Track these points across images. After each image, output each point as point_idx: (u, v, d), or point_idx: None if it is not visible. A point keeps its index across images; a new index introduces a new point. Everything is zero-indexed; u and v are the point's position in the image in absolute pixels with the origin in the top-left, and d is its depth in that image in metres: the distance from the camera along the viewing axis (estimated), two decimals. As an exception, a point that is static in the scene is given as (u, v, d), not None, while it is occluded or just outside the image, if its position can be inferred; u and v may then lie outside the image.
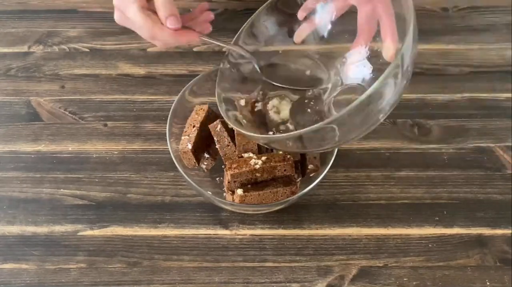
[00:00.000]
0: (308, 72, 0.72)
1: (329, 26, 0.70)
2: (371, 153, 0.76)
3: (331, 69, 0.70)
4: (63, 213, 0.72)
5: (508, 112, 0.80)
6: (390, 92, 0.56)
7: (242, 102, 0.71)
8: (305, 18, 0.69)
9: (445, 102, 0.82)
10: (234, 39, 0.69)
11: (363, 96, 0.53)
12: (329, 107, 0.70)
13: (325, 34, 0.70)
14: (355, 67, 0.68)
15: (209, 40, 0.67)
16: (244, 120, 0.69)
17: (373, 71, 0.67)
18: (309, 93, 0.71)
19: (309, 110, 0.71)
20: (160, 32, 0.63)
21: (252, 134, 0.64)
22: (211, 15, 0.68)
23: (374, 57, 0.67)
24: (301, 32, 0.69)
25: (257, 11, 0.69)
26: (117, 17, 0.66)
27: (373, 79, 0.67)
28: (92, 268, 0.68)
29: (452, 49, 0.88)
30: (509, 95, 0.82)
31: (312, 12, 0.69)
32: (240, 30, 0.69)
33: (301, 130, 0.56)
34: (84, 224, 0.71)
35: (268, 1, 0.69)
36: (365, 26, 0.65)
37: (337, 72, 0.70)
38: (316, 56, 0.71)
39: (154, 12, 0.64)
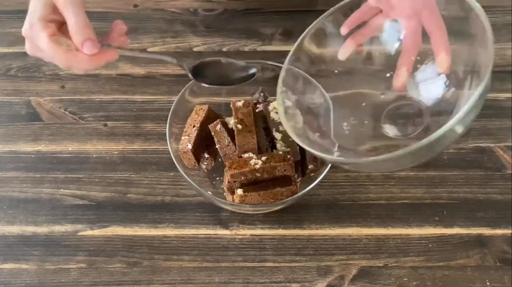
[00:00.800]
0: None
1: (379, 41, 0.69)
2: (371, 153, 0.76)
3: (384, 82, 0.70)
4: (63, 213, 0.72)
5: (508, 112, 0.80)
6: (470, 117, 0.56)
7: (240, 104, 0.71)
8: (349, 34, 0.67)
9: (445, 102, 0.82)
10: (299, 39, 0.67)
11: (449, 125, 0.53)
12: (383, 119, 0.69)
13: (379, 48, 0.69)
14: (413, 81, 0.68)
15: (129, 54, 0.64)
16: (239, 125, 0.69)
17: (432, 86, 0.67)
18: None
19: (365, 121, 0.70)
20: (74, 60, 0.58)
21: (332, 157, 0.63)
22: (123, 27, 0.63)
23: (431, 71, 0.66)
24: (346, 49, 0.67)
25: (324, 15, 0.68)
26: (28, 47, 0.60)
27: (432, 94, 0.67)
28: (92, 268, 0.68)
29: (452, 49, 0.88)
30: (509, 95, 0.82)
31: (355, 29, 0.67)
32: (306, 31, 0.67)
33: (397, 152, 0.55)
34: (84, 224, 0.71)
35: (337, 6, 0.67)
36: (410, 41, 0.64)
37: (389, 85, 0.69)
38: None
39: (69, 38, 0.59)
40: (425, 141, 0.53)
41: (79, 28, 0.58)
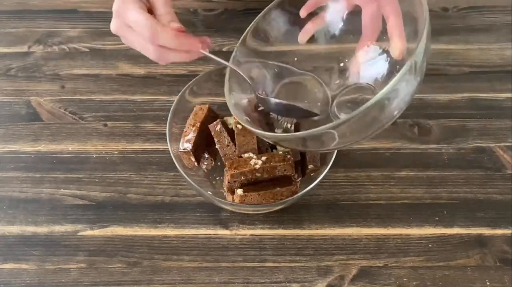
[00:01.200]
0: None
1: (336, 26, 0.69)
2: (371, 153, 0.76)
3: (339, 70, 0.70)
4: (63, 213, 0.72)
5: (508, 112, 0.80)
6: (403, 93, 0.55)
7: (245, 102, 0.71)
8: (309, 18, 0.68)
9: (445, 102, 0.82)
10: (241, 38, 0.68)
11: (374, 99, 0.52)
12: (335, 106, 0.69)
13: (334, 34, 0.69)
14: (365, 66, 0.68)
15: (210, 56, 0.63)
16: (239, 125, 0.69)
17: (383, 70, 0.66)
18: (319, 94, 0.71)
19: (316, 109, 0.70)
20: (162, 31, 0.60)
21: (261, 131, 0.62)
22: (209, 42, 0.65)
23: (384, 56, 0.66)
24: (306, 32, 0.68)
25: (264, 10, 0.68)
26: (114, 24, 0.63)
27: (384, 78, 0.66)
28: (92, 268, 0.68)
29: (452, 49, 0.88)
30: (509, 95, 0.82)
31: (316, 12, 0.68)
32: (248, 28, 0.68)
33: (303, 132, 0.55)
34: (84, 224, 0.71)
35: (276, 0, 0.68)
36: (370, 26, 0.65)
37: (345, 72, 0.69)
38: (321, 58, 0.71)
39: None
40: (361, 108, 0.52)
41: (167, 11, 0.61)
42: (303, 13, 0.67)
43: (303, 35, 0.68)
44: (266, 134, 0.62)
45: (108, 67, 0.85)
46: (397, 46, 0.61)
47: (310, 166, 0.70)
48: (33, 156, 0.76)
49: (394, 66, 0.65)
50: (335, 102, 0.70)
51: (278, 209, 0.70)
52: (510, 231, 0.70)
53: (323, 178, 0.68)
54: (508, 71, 0.85)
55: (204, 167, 0.73)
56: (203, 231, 0.71)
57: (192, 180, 0.67)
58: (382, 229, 0.71)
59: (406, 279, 0.67)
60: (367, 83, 0.68)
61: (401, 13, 0.61)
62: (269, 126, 0.72)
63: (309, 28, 0.68)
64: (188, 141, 0.70)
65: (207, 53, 0.63)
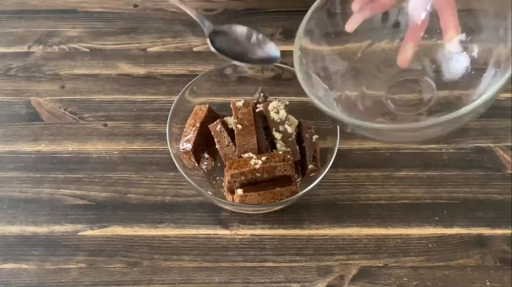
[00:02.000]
0: None
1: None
2: (371, 153, 0.76)
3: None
4: (63, 213, 0.72)
5: (508, 112, 0.80)
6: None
7: (240, 104, 0.71)
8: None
9: (445, 102, 0.82)
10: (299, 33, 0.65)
11: (480, 101, 0.52)
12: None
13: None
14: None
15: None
16: (239, 125, 0.69)
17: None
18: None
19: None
20: None
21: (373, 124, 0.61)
22: None
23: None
24: (353, 22, 0.65)
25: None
26: None
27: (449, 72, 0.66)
28: (92, 268, 0.68)
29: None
30: (509, 95, 0.82)
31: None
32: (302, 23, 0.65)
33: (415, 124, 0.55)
34: (84, 224, 0.71)
35: None
36: (418, 18, 0.63)
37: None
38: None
39: None
40: (451, 115, 0.52)
41: None
42: (355, 6, 0.64)
43: (351, 24, 0.65)
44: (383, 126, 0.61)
45: (108, 67, 0.85)
46: (452, 37, 0.60)
47: (310, 166, 0.70)
48: (33, 156, 0.76)
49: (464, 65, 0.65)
50: (389, 87, 0.69)
51: (278, 209, 0.70)
52: (510, 231, 0.70)
53: (323, 178, 0.68)
54: (508, 71, 0.85)
55: (204, 167, 0.73)
56: (203, 231, 0.71)
57: (192, 180, 0.67)
58: (382, 229, 0.71)
59: (406, 279, 0.67)
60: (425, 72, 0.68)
61: (454, 3, 0.60)
62: (266, 130, 0.72)
63: (357, 18, 0.65)
64: (188, 141, 0.70)
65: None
